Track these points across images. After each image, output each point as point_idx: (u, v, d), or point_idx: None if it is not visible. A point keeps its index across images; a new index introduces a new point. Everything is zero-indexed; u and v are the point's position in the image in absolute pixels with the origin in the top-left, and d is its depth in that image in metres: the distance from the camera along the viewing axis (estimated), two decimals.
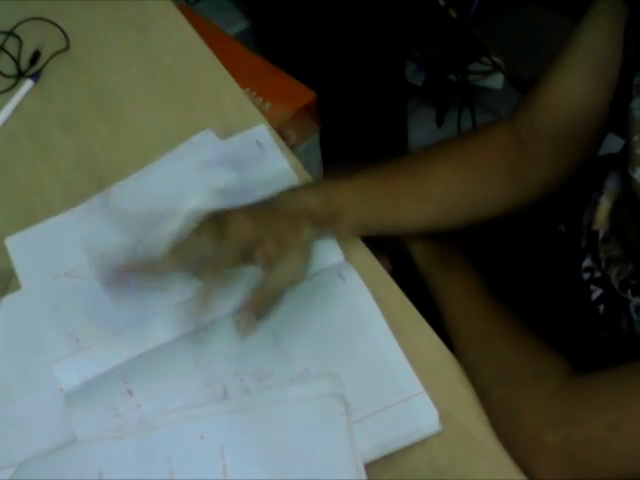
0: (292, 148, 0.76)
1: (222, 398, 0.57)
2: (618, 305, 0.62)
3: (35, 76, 0.82)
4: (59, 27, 0.85)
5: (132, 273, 0.54)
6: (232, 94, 0.78)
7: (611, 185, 0.64)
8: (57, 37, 0.84)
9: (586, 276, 0.66)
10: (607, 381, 0.49)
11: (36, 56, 0.83)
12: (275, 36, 1.42)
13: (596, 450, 0.48)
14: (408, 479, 0.54)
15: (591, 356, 0.56)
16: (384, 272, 0.64)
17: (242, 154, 0.72)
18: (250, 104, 0.77)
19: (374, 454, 0.54)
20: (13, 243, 0.69)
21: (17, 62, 0.83)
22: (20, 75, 0.82)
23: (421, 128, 1.63)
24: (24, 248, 0.68)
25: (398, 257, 0.67)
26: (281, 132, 0.76)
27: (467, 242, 0.67)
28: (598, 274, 0.64)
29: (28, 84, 0.81)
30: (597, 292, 0.64)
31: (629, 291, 0.61)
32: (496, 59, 1.18)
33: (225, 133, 0.74)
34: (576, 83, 0.60)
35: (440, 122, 1.65)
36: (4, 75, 0.83)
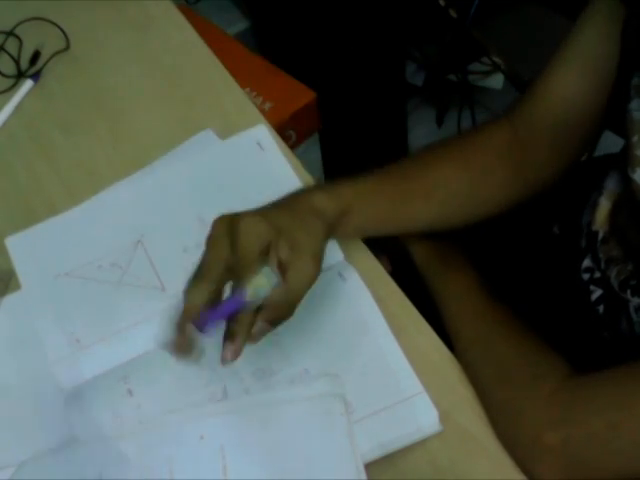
0: (292, 148, 0.76)
1: (222, 398, 0.57)
2: (618, 305, 0.62)
3: (35, 76, 0.82)
4: (59, 27, 0.85)
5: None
6: (232, 94, 0.78)
7: (611, 185, 0.64)
8: (57, 37, 0.84)
9: (586, 276, 0.66)
10: (607, 381, 0.49)
11: (36, 56, 0.83)
12: (275, 36, 1.43)
13: (596, 450, 0.48)
14: (408, 479, 0.54)
15: (591, 356, 0.56)
16: (384, 272, 0.64)
17: (242, 154, 0.72)
18: (250, 104, 0.77)
19: (374, 454, 0.54)
20: (13, 243, 0.69)
21: (17, 62, 0.83)
22: (20, 75, 0.82)
23: (421, 128, 1.63)
24: (24, 248, 0.68)
25: (398, 257, 0.67)
26: (281, 132, 0.76)
27: (466, 242, 0.67)
28: (598, 274, 0.64)
29: (28, 84, 0.81)
30: (597, 292, 0.64)
31: (628, 291, 0.61)
32: (496, 59, 1.18)
33: (225, 133, 0.74)
34: (573, 82, 0.61)
35: (440, 122, 1.65)
36: (4, 75, 0.83)
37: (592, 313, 0.65)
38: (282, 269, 0.51)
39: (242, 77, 0.80)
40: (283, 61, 1.20)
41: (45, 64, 0.83)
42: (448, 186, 0.62)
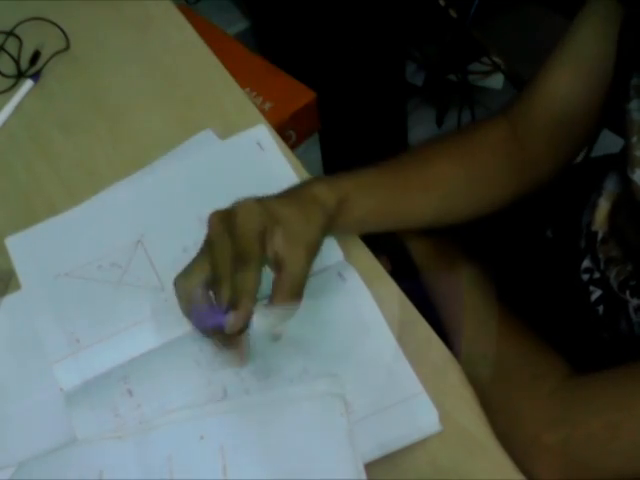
0: (292, 148, 0.76)
1: (222, 398, 0.57)
2: (617, 306, 0.62)
3: (35, 76, 0.82)
4: (59, 27, 0.85)
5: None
6: (232, 94, 0.78)
7: (610, 186, 0.64)
8: (57, 37, 0.84)
9: (585, 277, 0.66)
10: (606, 382, 0.49)
11: (36, 56, 0.83)
12: (275, 36, 1.43)
13: (595, 450, 0.48)
14: (408, 479, 0.54)
15: (590, 357, 0.56)
16: (384, 272, 0.64)
17: (242, 154, 0.72)
18: (250, 104, 0.77)
19: (374, 454, 0.54)
20: (13, 243, 0.69)
21: (17, 62, 0.83)
22: (20, 75, 0.82)
23: (421, 128, 1.63)
24: (24, 248, 0.68)
25: (397, 257, 0.67)
26: (281, 132, 0.76)
27: (466, 242, 0.67)
28: (597, 275, 0.64)
29: (28, 84, 0.81)
30: (596, 293, 0.65)
31: (628, 292, 0.61)
32: (496, 59, 1.18)
33: (225, 133, 0.74)
34: (569, 81, 0.61)
35: (440, 122, 1.65)
36: (4, 75, 0.83)
37: (592, 313, 0.65)
38: (277, 259, 0.51)
39: (242, 77, 0.80)
40: (283, 61, 1.20)
41: (45, 64, 0.83)
42: (447, 180, 0.62)
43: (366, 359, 0.59)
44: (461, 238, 0.67)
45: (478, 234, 0.69)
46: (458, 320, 0.60)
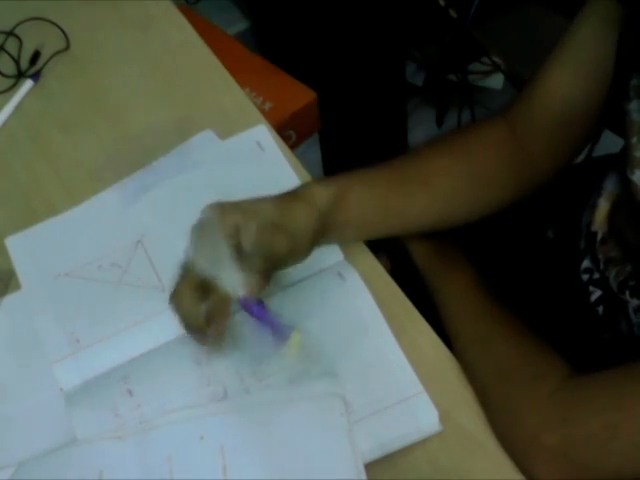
0: (292, 148, 0.76)
1: (222, 398, 0.57)
2: (617, 306, 0.62)
3: (35, 76, 0.82)
4: (59, 27, 0.85)
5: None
6: (232, 94, 0.78)
7: (610, 186, 0.64)
8: (57, 37, 0.84)
9: (585, 277, 0.66)
10: (606, 382, 0.49)
11: (36, 56, 0.83)
12: (275, 36, 1.43)
13: (595, 450, 0.48)
14: (408, 479, 0.54)
15: (590, 357, 0.56)
16: (384, 272, 0.64)
17: (242, 154, 0.72)
18: (250, 104, 0.77)
19: (374, 454, 0.54)
20: (13, 243, 0.69)
21: (17, 62, 0.83)
22: (20, 75, 0.82)
23: (421, 128, 1.63)
24: (24, 248, 0.68)
25: (398, 257, 0.67)
26: (281, 132, 0.76)
27: (466, 242, 0.67)
28: (597, 275, 0.64)
29: (28, 84, 0.81)
30: (596, 293, 0.65)
31: (627, 292, 0.61)
32: (496, 59, 1.18)
33: (225, 133, 0.74)
34: (568, 82, 0.61)
35: (440, 122, 1.65)
36: (4, 75, 0.83)
37: (591, 314, 0.65)
38: (252, 248, 0.52)
39: (242, 77, 0.80)
40: (283, 61, 1.20)
41: (45, 64, 0.83)
42: (446, 177, 0.62)
43: (366, 359, 0.59)
44: (461, 239, 0.67)
45: (478, 235, 0.69)
46: (458, 320, 0.60)
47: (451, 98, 1.59)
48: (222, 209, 0.53)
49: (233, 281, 0.51)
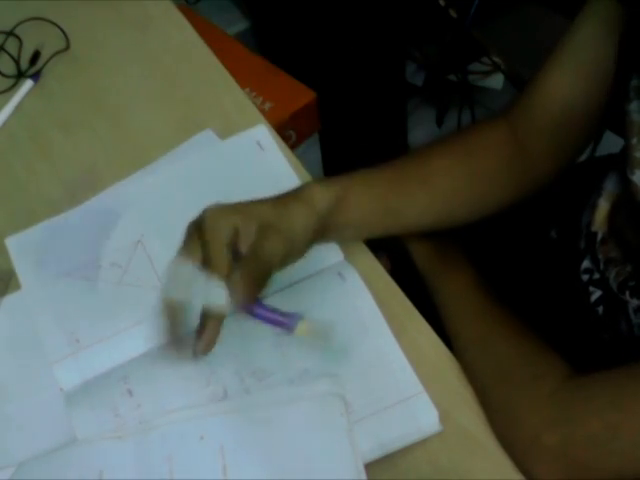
0: (292, 148, 0.76)
1: (222, 398, 0.57)
2: (617, 307, 0.62)
3: (35, 76, 0.82)
4: (59, 27, 0.85)
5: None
6: (232, 94, 0.78)
7: (610, 186, 0.64)
8: (57, 37, 0.84)
9: (585, 277, 0.66)
10: (606, 382, 0.49)
11: (36, 56, 0.83)
12: (275, 36, 1.43)
13: (595, 451, 0.48)
14: (408, 479, 0.54)
15: (590, 357, 0.56)
16: (384, 272, 0.64)
17: (242, 154, 0.72)
18: (250, 104, 0.77)
19: (374, 454, 0.54)
20: (13, 243, 0.69)
21: (17, 62, 0.83)
22: (20, 75, 0.82)
23: (421, 128, 1.63)
24: (24, 248, 0.68)
25: (398, 257, 0.67)
26: (281, 132, 0.76)
27: (466, 243, 0.67)
28: (597, 275, 0.64)
29: (28, 84, 0.81)
30: (596, 294, 0.65)
31: (627, 292, 0.61)
32: (496, 59, 1.18)
33: (225, 133, 0.74)
34: (568, 83, 0.61)
35: (440, 122, 1.65)
36: (4, 75, 0.83)
37: (591, 314, 0.65)
38: (249, 248, 0.51)
39: (242, 77, 0.80)
40: (283, 61, 1.20)
41: (45, 64, 0.83)
42: (446, 177, 0.62)
43: (366, 359, 0.59)
44: (462, 240, 0.67)
45: (479, 235, 0.69)
46: (458, 320, 0.60)
47: (451, 98, 1.59)
48: (220, 211, 0.52)
49: (220, 298, 0.50)
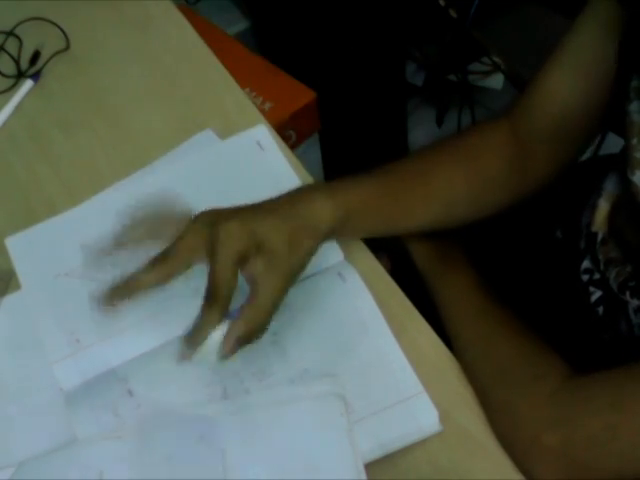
0: (292, 148, 0.76)
1: (222, 398, 0.57)
2: (617, 307, 0.62)
3: (35, 76, 0.82)
4: (59, 27, 0.85)
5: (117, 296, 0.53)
6: (232, 94, 0.78)
7: (610, 187, 0.64)
8: (57, 37, 0.84)
9: (585, 278, 0.66)
10: (606, 383, 0.49)
11: (36, 56, 0.83)
12: (275, 36, 1.43)
13: (595, 451, 0.48)
14: (408, 479, 0.54)
15: (590, 358, 0.56)
16: (384, 272, 0.64)
17: (242, 154, 0.72)
18: (250, 104, 0.77)
19: (374, 454, 0.54)
20: (13, 243, 0.69)
21: (17, 62, 0.83)
22: (20, 75, 0.82)
23: (421, 128, 1.63)
24: (24, 248, 0.68)
25: (398, 257, 0.67)
26: (281, 132, 0.76)
27: (466, 243, 0.67)
28: (597, 276, 0.64)
29: (28, 84, 0.81)
30: (596, 294, 0.65)
31: (627, 293, 0.61)
32: (496, 59, 1.18)
33: (225, 133, 0.74)
34: (569, 84, 0.61)
35: (440, 122, 1.65)
36: (4, 75, 0.83)
37: (591, 314, 0.65)
38: (252, 283, 0.51)
39: (242, 77, 0.80)
40: (283, 61, 1.20)
41: (45, 64, 0.83)
42: (449, 181, 0.62)
43: (366, 359, 0.59)
44: (462, 240, 0.67)
45: (480, 235, 0.69)
46: (458, 321, 0.60)
47: (451, 98, 1.59)
48: (235, 230, 0.51)
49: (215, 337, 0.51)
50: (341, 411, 0.55)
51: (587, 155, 0.74)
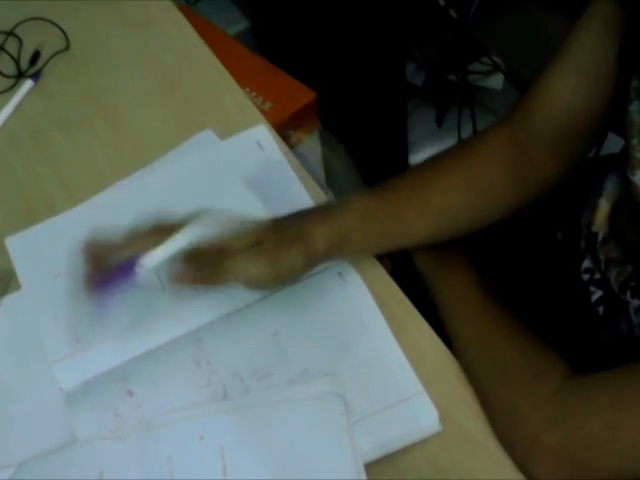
0: (292, 148, 0.76)
1: (222, 398, 0.57)
2: (617, 307, 0.62)
3: (35, 76, 0.82)
4: (59, 27, 0.85)
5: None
6: (232, 94, 0.78)
7: (610, 187, 0.64)
8: (57, 37, 0.84)
9: (586, 277, 0.66)
10: (606, 382, 0.49)
11: (36, 56, 0.83)
12: (275, 36, 1.43)
13: (595, 451, 0.48)
14: (408, 479, 0.54)
15: (591, 358, 0.56)
16: (384, 272, 0.64)
17: (242, 154, 0.72)
18: (250, 104, 0.77)
19: (374, 454, 0.54)
20: (13, 243, 0.69)
21: (17, 62, 0.83)
22: (20, 75, 0.82)
23: (421, 128, 1.63)
24: (24, 248, 0.68)
25: (398, 257, 0.67)
26: (281, 132, 0.76)
27: (467, 244, 0.67)
28: (598, 275, 0.64)
29: (28, 84, 0.81)
30: (597, 294, 0.65)
31: (628, 293, 0.61)
32: (496, 59, 1.18)
33: (225, 133, 0.74)
34: (571, 87, 0.60)
35: (440, 122, 1.65)
36: (4, 75, 0.83)
37: (592, 314, 0.65)
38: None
39: (242, 77, 0.80)
40: (283, 61, 1.20)
41: (45, 64, 0.83)
42: (449, 196, 0.62)
43: (366, 359, 0.59)
44: (462, 240, 0.67)
45: (480, 236, 0.69)
46: (458, 321, 0.60)
47: (451, 98, 1.58)
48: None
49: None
50: (341, 411, 0.55)
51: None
